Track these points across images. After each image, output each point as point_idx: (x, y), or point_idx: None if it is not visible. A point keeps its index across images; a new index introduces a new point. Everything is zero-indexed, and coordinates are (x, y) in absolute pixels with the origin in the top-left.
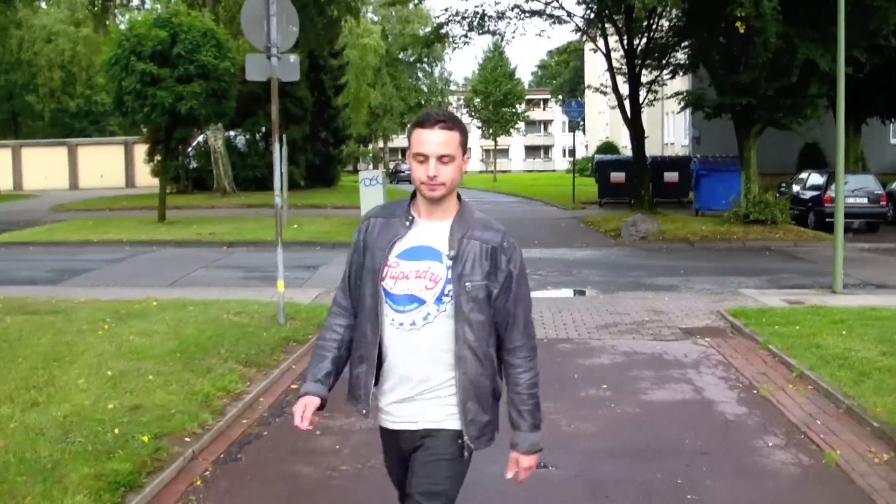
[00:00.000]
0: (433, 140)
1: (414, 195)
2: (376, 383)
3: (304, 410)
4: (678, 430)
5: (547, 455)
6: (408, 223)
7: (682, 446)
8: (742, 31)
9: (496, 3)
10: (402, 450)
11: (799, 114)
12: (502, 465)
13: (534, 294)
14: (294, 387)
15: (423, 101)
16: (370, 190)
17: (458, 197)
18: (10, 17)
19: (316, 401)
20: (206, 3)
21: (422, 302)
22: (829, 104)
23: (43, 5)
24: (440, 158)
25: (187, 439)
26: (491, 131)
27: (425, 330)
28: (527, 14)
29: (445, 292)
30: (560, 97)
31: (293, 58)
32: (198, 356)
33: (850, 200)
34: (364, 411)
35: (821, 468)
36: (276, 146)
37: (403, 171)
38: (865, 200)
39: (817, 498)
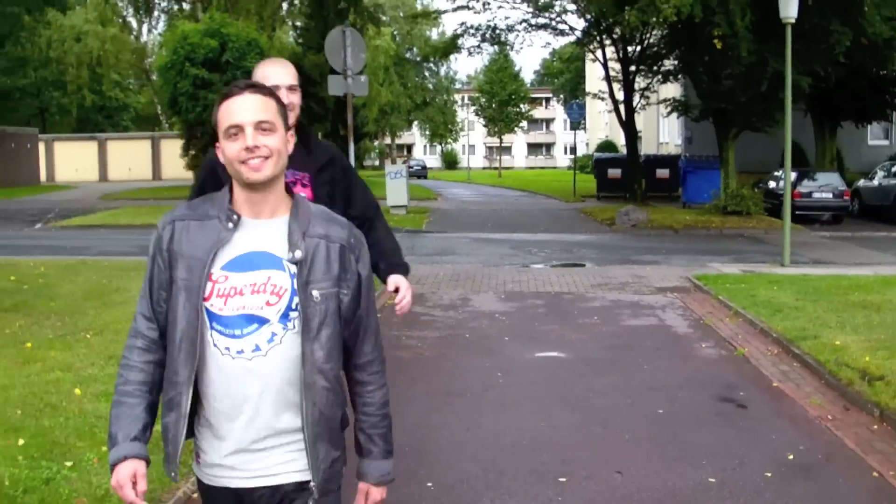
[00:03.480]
0: (246, 106)
1: (231, 190)
2: (191, 434)
3: (133, 481)
4: (643, 338)
5: (556, 349)
6: (231, 225)
7: (644, 346)
8: (719, 46)
9: (506, 18)
10: None
11: (770, 118)
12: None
13: (540, 266)
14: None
15: (428, 99)
16: (395, 182)
17: (289, 190)
18: (40, 18)
19: (142, 465)
20: (236, 9)
21: (263, 321)
22: (805, 110)
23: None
24: (258, 126)
25: None
26: (496, 129)
27: (272, 355)
28: (533, 27)
29: (293, 306)
30: (562, 96)
31: (363, 78)
32: None
33: (817, 195)
34: (173, 474)
35: (732, 357)
36: (352, 146)
37: (413, 167)
38: (830, 196)
39: (726, 371)
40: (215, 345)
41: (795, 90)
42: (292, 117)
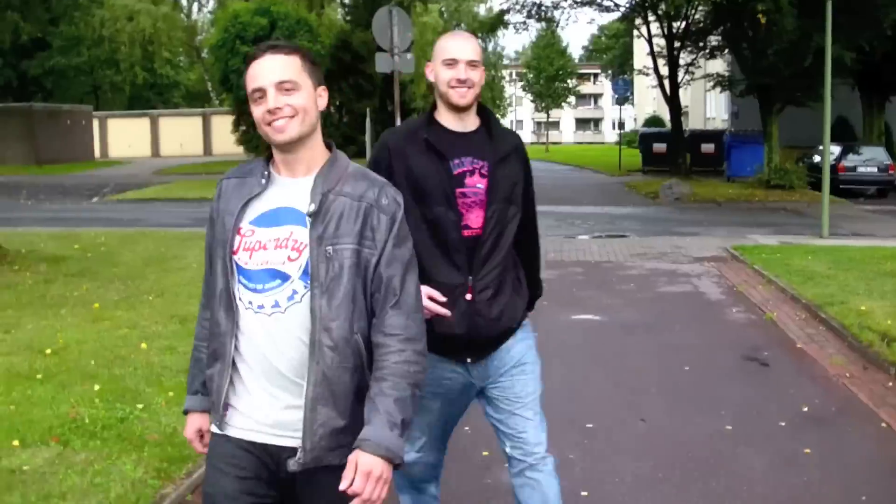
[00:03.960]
0: (267, 67)
1: (270, 150)
2: (231, 384)
3: (199, 436)
4: (677, 304)
5: (592, 312)
6: (263, 181)
7: (677, 311)
8: (763, 22)
9: None
10: (262, 472)
11: (814, 93)
12: None
13: (584, 237)
14: None
15: None
16: None
17: (330, 146)
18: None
19: (204, 419)
20: None
21: (285, 277)
22: (853, 84)
23: None
24: (280, 86)
25: None
26: (543, 105)
27: (292, 312)
28: (579, 4)
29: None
30: (610, 72)
31: (409, 55)
32: None
33: (862, 170)
34: (217, 423)
35: (761, 321)
36: (398, 120)
37: None
38: (875, 170)
39: (754, 334)
40: (240, 298)
41: (838, 65)
42: (470, 95)
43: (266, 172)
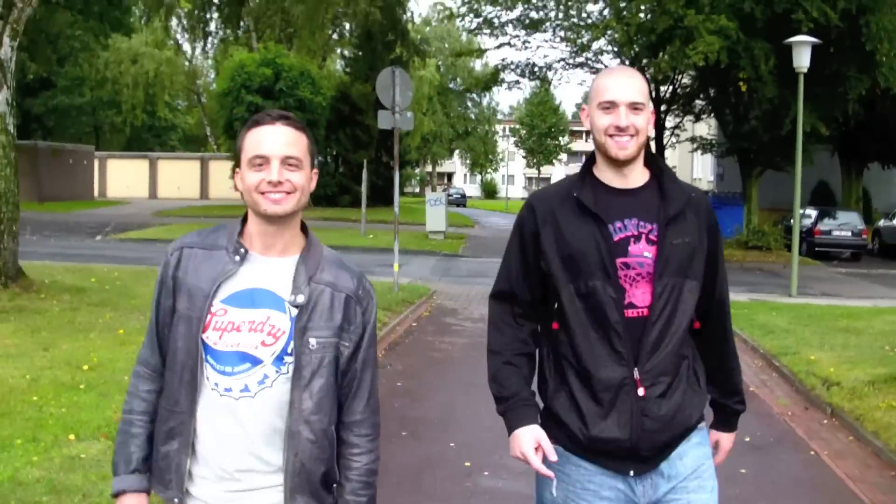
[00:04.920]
0: (276, 138)
1: (244, 222)
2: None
3: None
4: None
5: None
6: (238, 258)
7: None
8: (744, 89)
9: (545, 57)
10: None
11: (791, 159)
12: None
13: None
14: (414, 324)
15: (469, 129)
16: (435, 209)
17: (305, 228)
18: (104, 41)
19: (143, 499)
20: (291, 42)
21: (256, 362)
22: (834, 149)
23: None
24: (286, 161)
25: None
26: (535, 161)
27: (261, 397)
28: (570, 66)
29: (288, 350)
30: None
31: (409, 114)
32: None
33: (837, 234)
34: (176, 500)
35: None
36: (396, 174)
37: (452, 195)
38: (850, 234)
39: None
40: (207, 377)
41: (814, 134)
42: (633, 145)
43: (242, 249)
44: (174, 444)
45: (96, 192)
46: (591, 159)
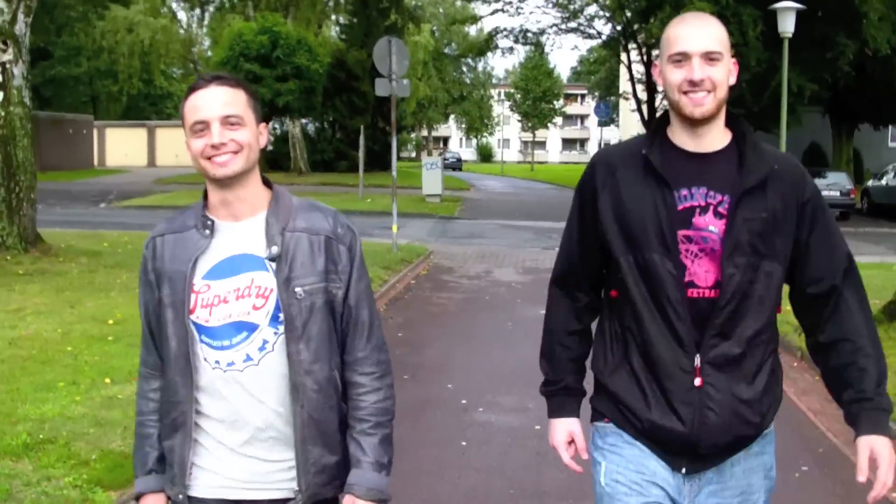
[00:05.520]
0: (212, 99)
1: (206, 195)
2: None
3: None
4: None
5: None
6: (207, 231)
7: None
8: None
9: (538, 22)
10: None
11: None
12: None
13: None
14: (412, 281)
15: (465, 94)
16: (431, 172)
17: (267, 183)
18: (99, 12)
19: (162, 498)
20: (287, 9)
21: (253, 328)
22: (825, 110)
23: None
24: (225, 121)
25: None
26: (530, 125)
27: (265, 363)
28: (563, 31)
29: (280, 307)
30: (597, 93)
31: (406, 81)
32: None
33: (825, 193)
34: (181, 496)
35: None
36: (394, 140)
37: (448, 159)
38: (838, 194)
39: None
40: (205, 359)
41: (801, 95)
42: (711, 102)
43: (209, 222)
44: (177, 437)
45: (95, 162)
46: (664, 119)
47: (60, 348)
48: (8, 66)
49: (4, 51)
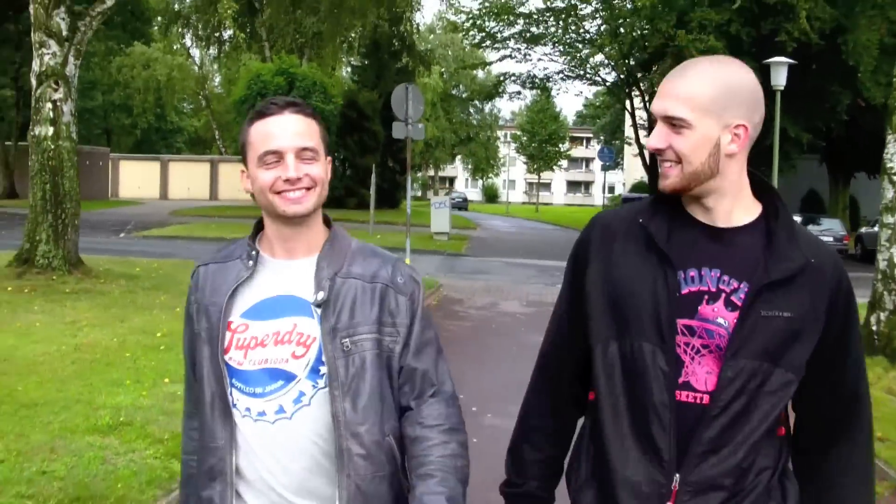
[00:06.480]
0: (287, 129)
1: (259, 227)
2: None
3: None
4: None
5: None
6: (251, 262)
7: None
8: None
9: (545, 69)
10: None
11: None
12: None
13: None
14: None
15: (472, 135)
16: (440, 211)
17: (328, 221)
18: (124, 50)
19: None
20: (302, 51)
21: (290, 378)
22: (821, 159)
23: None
24: (301, 154)
25: None
26: (535, 166)
27: (299, 418)
28: (569, 78)
29: (322, 359)
30: (602, 137)
31: (420, 125)
32: None
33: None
34: None
35: None
36: (408, 179)
37: (454, 199)
38: (832, 239)
39: None
40: (234, 404)
41: (796, 144)
42: (675, 174)
43: (253, 253)
44: (216, 486)
45: (109, 193)
46: None
47: (120, 354)
48: (59, 103)
49: (56, 90)
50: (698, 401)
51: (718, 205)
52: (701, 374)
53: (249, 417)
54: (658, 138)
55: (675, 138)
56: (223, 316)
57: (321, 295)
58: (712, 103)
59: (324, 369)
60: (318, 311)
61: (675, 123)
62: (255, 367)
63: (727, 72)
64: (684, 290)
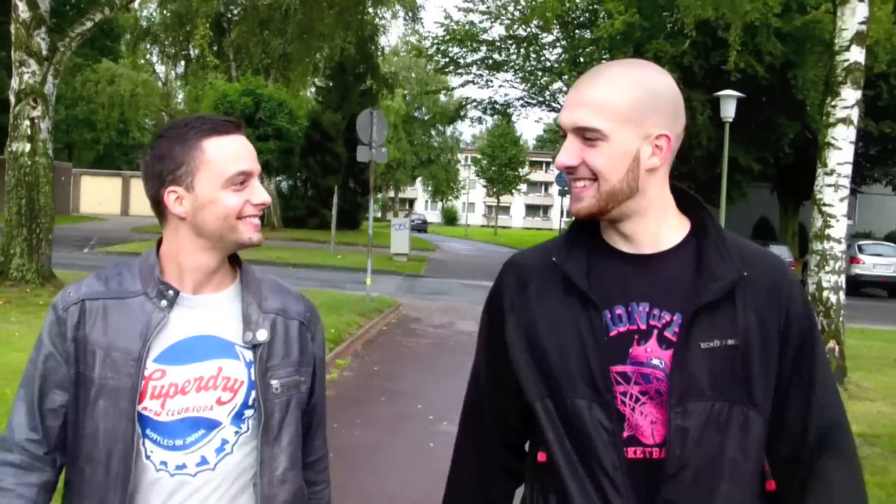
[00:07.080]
0: (248, 148)
1: (157, 255)
2: None
3: None
4: None
5: None
6: (165, 303)
7: None
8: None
9: (506, 95)
10: None
11: (728, 196)
12: None
13: None
14: (384, 327)
15: (433, 157)
16: (399, 232)
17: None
18: (94, 66)
19: None
20: (268, 71)
21: (212, 425)
22: (772, 187)
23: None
24: (259, 176)
25: (349, 333)
26: (495, 190)
27: (222, 468)
28: (529, 104)
29: (249, 402)
30: None
31: (384, 149)
32: (336, 310)
33: None
34: None
35: None
36: (371, 201)
37: (414, 221)
38: None
39: None
40: (148, 457)
41: (747, 173)
42: (590, 194)
43: (170, 292)
44: None
45: (70, 208)
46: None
47: None
48: (37, 121)
49: (34, 108)
50: (649, 455)
51: (640, 228)
52: (646, 426)
53: (166, 471)
54: (568, 154)
55: (588, 153)
56: (141, 365)
57: (262, 334)
58: (631, 111)
59: (248, 413)
60: (249, 353)
61: (587, 136)
62: (173, 417)
63: (644, 76)
64: (612, 332)
